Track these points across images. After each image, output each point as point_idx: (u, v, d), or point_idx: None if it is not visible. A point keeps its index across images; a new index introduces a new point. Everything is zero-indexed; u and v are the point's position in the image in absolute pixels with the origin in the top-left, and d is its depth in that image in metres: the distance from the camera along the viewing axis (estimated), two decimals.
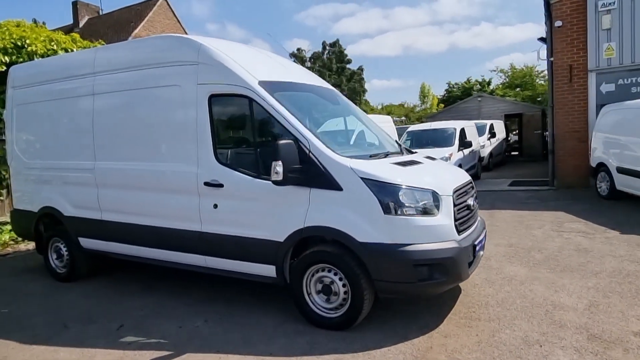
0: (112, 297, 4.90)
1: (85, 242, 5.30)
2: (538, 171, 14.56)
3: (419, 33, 76.87)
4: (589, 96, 10.43)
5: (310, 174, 3.64)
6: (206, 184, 4.15)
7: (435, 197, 3.58)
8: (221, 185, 4.08)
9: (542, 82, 42.10)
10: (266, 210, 3.92)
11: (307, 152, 3.66)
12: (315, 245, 3.78)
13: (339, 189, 3.58)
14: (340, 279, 3.67)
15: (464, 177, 4.35)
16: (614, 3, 9.86)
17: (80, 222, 5.23)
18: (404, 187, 3.51)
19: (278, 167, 3.50)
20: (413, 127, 15.21)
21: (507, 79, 43.17)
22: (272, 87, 4.07)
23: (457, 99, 34.41)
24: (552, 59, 10.72)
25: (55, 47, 8.58)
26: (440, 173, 4.18)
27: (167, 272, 5.49)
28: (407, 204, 3.48)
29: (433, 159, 4.67)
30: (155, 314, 4.35)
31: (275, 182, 3.60)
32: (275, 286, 4.05)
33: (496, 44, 75.81)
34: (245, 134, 4.24)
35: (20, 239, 7.68)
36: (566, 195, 9.80)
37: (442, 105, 40.34)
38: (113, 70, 4.85)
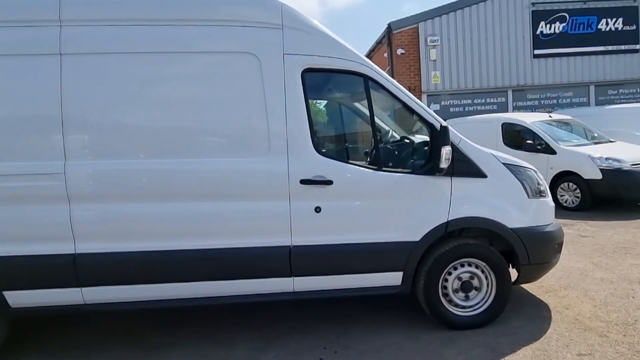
0: None
1: (18, 298, 3.16)
2: None
3: None
4: None
5: (453, 161, 3.34)
6: (305, 182, 3.23)
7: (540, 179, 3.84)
8: (329, 182, 3.25)
9: None
10: (394, 208, 3.36)
11: None
12: (454, 240, 3.46)
13: (484, 176, 3.42)
14: (482, 271, 3.48)
15: None
16: (437, 40, 12.43)
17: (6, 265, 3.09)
18: (534, 170, 3.65)
19: (448, 153, 3.10)
20: None
21: None
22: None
23: None
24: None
25: None
26: None
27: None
28: (540, 187, 3.63)
29: None
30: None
31: (441, 171, 3.17)
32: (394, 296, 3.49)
33: None
34: (358, 120, 3.50)
35: None
36: None
37: None
38: (108, 20, 3.13)
